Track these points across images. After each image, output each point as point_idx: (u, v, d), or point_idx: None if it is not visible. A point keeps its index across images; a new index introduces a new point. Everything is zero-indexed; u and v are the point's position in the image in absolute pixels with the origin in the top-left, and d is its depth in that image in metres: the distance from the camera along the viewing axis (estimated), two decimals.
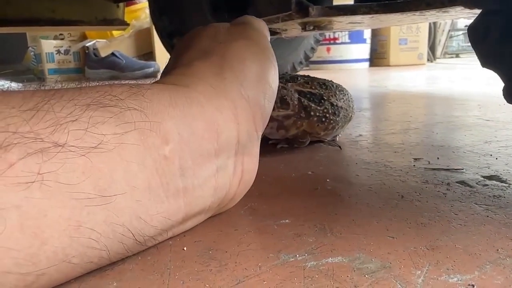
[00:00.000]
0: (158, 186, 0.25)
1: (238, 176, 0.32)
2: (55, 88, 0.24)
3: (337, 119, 0.55)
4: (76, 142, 0.21)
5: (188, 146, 0.27)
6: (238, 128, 0.31)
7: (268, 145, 0.56)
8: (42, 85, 0.25)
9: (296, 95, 0.52)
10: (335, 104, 0.55)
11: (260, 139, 0.35)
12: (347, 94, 0.59)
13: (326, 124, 0.54)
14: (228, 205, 0.34)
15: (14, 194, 0.19)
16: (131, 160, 0.23)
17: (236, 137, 0.30)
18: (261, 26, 0.38)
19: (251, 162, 0.33)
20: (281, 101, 0.51)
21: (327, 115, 0.54)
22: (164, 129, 0.25)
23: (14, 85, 1.22)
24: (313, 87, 0.54)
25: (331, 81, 0.58)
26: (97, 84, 0.26)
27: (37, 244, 0.19)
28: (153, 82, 0.30)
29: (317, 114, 0.53)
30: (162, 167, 0.25)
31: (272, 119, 0.50)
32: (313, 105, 0.53)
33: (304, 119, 0.53)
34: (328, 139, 0.58)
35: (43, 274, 0.20)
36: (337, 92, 0.56)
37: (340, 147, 0.56)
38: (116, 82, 0.28)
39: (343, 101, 0.57)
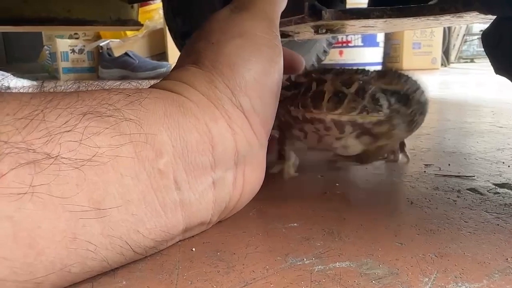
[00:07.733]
0: (154, 200, 0.24)
1: (238, 188, 0.31)
2: (54, 92, 0.24)
3: (423, 118, 0.44)
4: (70, 154, 0.21)
5: (182, 159, 0.26)
6: (235, 139, 0.29)
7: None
8: (43, 87, 0.25)
9: (384, 95, 0.39)
10: (422, 101, 0.42)
11: (265, 147, 0.33)
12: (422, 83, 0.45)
13: (413, 129, 0.43)
14: (230, 214, 0.33)
15: (6, 205, 0.19)
16: (125, 174, 0.23)
17: (233, 148, 0.29)
18: (266, 9, 0.34)
19: (254, 172, 0.32)
20: (374, 101, 0.37)
21: (415, 118, 0.42)
22: (159, 142, 0.25)
23: (26, 83, 1.23)
24: (394, 83, 0.40)
25: (396, 70, 0.45)
26: (96, 88, 0.26)
27: (32, 254, 0.19)
28: (151, 86, 0.30)
29: (407, 119, 0.41)
30: (156, 180, 0.24)
31: (356, 125, 0.37)
32: (402, 108, 0.40)
33: (395, 127, 0.40)
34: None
35: (42, 282, 0.20)
36: (418, 84, 0.44)
37: (408, 157, 0.49)
38: (124, 82, 0.28)
39: (425, 94, 0.44)
